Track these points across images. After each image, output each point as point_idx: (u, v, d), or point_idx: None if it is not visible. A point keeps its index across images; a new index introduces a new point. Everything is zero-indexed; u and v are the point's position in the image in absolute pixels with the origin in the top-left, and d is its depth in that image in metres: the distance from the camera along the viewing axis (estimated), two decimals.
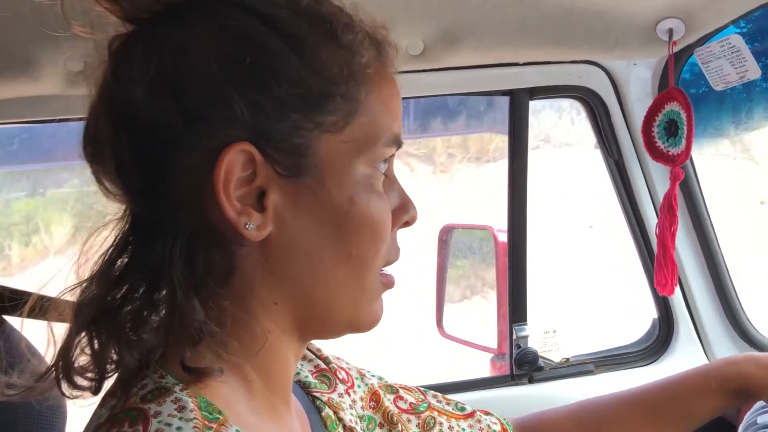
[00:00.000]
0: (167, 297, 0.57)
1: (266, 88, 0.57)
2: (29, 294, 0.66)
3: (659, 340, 1.61)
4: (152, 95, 0.57)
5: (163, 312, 0.58)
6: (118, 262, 0.59)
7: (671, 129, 1.30)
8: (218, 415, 0.56)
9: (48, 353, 0.60)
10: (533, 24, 1.20)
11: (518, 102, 1.43)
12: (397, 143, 0.66)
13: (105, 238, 0.60)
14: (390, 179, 0.68)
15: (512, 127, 1.44)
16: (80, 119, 0.61)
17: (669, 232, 1.30)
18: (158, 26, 0.59)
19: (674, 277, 1.30)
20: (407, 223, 0.70)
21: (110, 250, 0.59)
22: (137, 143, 0.58)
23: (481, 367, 1.93)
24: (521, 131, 1.44)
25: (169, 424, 0.53)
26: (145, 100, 0.57)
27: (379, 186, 0.65)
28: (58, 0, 0.58)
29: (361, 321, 0.67)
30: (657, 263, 1.30)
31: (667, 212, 1.30)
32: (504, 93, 1.43)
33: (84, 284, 0.59)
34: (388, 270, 0.69)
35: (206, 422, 0.55)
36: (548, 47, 1.29)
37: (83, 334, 0.58)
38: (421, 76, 1.33)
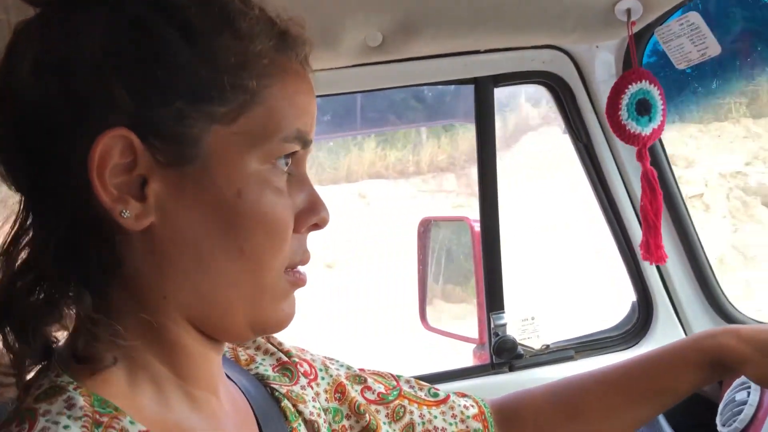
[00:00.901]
0: (56, 287, 0.57)
1: (150, 75, 0.56)
2: None
3: (639, 323, 1.61)
4: (36, 74, 0.56)
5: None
6: (22, 252, 0.58)
7: (641, 109, 1.29)
8: (111, 410, 0.56)
9: None
10: (489, 10, 1.20)
11: (483, 90, 1.43)
12: (302, 141, 0.64)
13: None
14: (299, 179, 0.66)
15: (479, 116, 1.45)
16: None
17: (651, 207, 1.29)
18: (56, 8, 0.58)
19: (659, 248, 1.29)
20: (317, 226, 0.68)
21: (8, 238, 0.59)
22: (20, 124, 0.57)
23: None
24: (488, 119, 1.44)
25: (56, 422, 0.53)
26: (28, 78, 0.56)
27: (277, 183, 0.63)
28: None
29: (266, 322, 0.65)
30: (644, 235, 1.29)
31: (647, 191, 1.29)
32: (468, 81, 1.42)
33: None
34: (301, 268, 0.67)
35: (98, 417, 0.55)
36: (508, 33, 1.29)
37: None
38: (383, 67, 1.34)
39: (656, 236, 1.29)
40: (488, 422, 0.90)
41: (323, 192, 0.69)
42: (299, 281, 0.67)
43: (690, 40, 1.26)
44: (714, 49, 1.25)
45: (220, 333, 0.65)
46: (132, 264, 0.60)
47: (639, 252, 1.51)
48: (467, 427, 0.89)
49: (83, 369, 0.57)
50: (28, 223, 0.60)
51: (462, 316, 1.69)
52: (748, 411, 1.21)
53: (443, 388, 1.47)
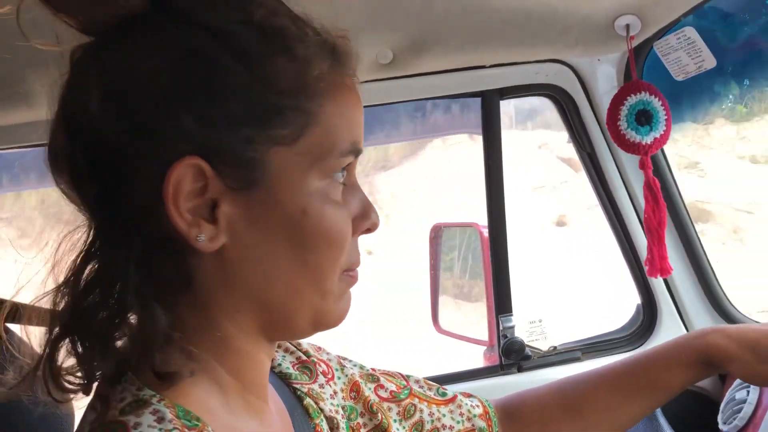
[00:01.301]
0: (132, 305, 0.59)
1: (216, 103, 0.59)
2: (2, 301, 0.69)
3: (644, 325, 1.66)
4: (104, 107, 0.58)
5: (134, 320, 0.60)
6: (87, 269, 0.61)
7: (642, 119, 1.35)
8: (196, 422, 0.58)
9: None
10: (496, 28, 1.26)
11: (489, 102, 1.49)
12: (355, 151, 0.66)
13: (75, 244, 0.62)
14: (351, 187, 0.69)
15: (485, 127, 1.51)
16: None
17: (654, 217, 1.35)
18: (115, 39, 0.60)
19: (663, 259, 1.34)
20: (368, 230, 0.70)
21: (78, 259, 0.61)
22: (91, 153, 0.59)
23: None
24: (494, 130, 1.50)
25: None
26: (97, 111, 0.58)
27: (335, 195, 0.65)
28: (15, 14, 0.60)
29: (327, 321, 0.68)
30: (648, 248, 1.34)
31: (650, 200, 1.34)
32: (475, 95, 1.49)
33: (57, 291, 0.60)
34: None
35: (186, 429, 0.57)
36: (513, 49, 1.35)
37: (65, 338, 0.60)
38: (394, 83, 1.40)
39: (660, 247, 1.33)
40: (492, 421, 0.94)
41: None
42: (353, 280, 0.70)
43: (687, 54, 1.32)
44: (710, 62, 1.30)
45: (287, 335, 0.70)
46: (201, 281, 0.62)
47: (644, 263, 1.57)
48: (473, 425, 0.93)
49: (161, 381, 0.59)
50: (96, 244, 0.62)
51: None
52: (747, 409, 1.26)
53: (454, 388, 1.53)
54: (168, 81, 0.58)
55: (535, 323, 1.62)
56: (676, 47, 1.32)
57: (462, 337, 1.87)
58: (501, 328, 1.59)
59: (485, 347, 1.82)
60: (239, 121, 0.59)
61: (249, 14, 0.61)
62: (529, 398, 0.99)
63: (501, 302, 1.59)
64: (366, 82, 1.36)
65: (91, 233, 0.62)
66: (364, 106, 1.47)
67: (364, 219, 0.69)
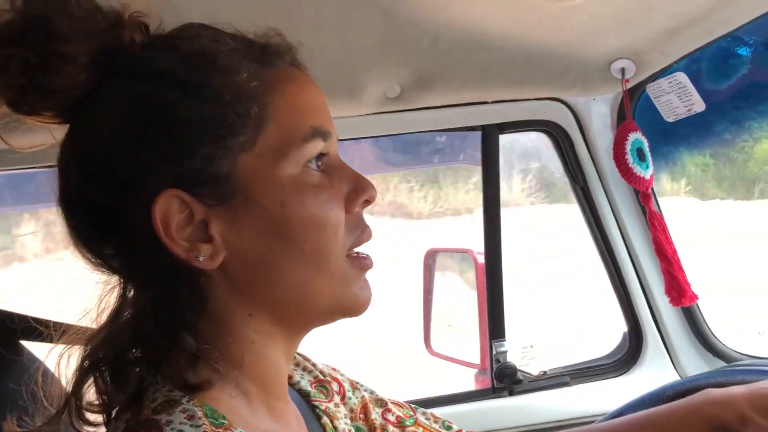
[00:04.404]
0: (159, 336, 0.65)
1: (169, 136, 0.64)
2: (47, 322, 0.76)
3: (629, 352, 1.71)
4: (84, 179, 0.66)
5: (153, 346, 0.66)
6: (123, 315, 0.68)
7: (639, 156, 1.43)
8: (223, 420, 0.63)
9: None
10: (499, 67, 1.33)
11: (489, 136, 1.55)
12: (321, 134, 0.69)
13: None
14: (335, 166, 0.72)
15: (485, 160, 1.57)
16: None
17: (668, 246, 1.41)
18: (79, 117, 0.67)
19: (685, 285, 1.38)
20: (367, 202, 0.73)
21: (114, 307, 0.69)
22: (94, 224, 0.67)
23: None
24: (493, 163, 1.57)
25: (181, 431, 0.60)
26: (81, 185, 0.66)
27: (314, 180, 0.68)
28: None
29: (344, 307, 0.72)
30: (666, 278, 1.40)
31: (657, 230, 1.41)
32: (475, 129, 1.55)
33: (94, 334, 0.67)
34: (362, 250, 0.73)
35: (213, 428, 0.61)
36: (514, 86, 1.42)
37: (94, 371, 0.66)
38: (399, 115, 1.46)
39: (681, 272, 1.38)
40: None
41: None
42: (364, 265, 0.73)
43: (678, 97, 1.39)
44: (699, 105, 1.38)
45: (305, 326, 0.73)
46: (217, 297, 0.67)
47: (633, 289, 1.64)
48: None
49: (190, 391, 0.64)
50: (129, 295, 0.69)
51: None
52: None
53: (448, 410, 1.58)
54: (125, 132, 0.64)
55: (527, 348, 1.68)
56: (668, 90, 1.39)
57: (454, 359, 1.91)
58: (494, 352, 1.64)
59: (476, 370, 1.88)
60: (195, 144, 0.64)
61: (176, 49, 0.66)
62: None
63: (495, 327, 1.64)
64: (373, 114, 1.42)
65: (122, 287, 0.69)
66: (370, 137, 1.54)
67: (359, 193, 0.72)
